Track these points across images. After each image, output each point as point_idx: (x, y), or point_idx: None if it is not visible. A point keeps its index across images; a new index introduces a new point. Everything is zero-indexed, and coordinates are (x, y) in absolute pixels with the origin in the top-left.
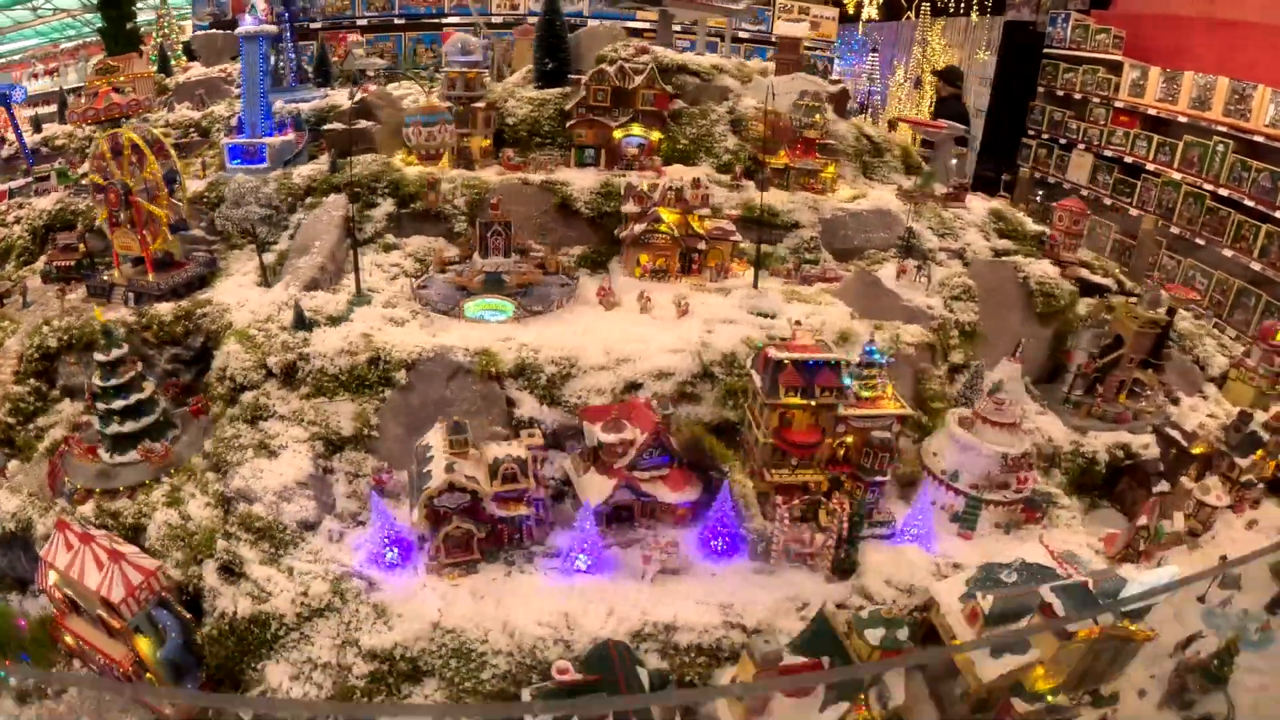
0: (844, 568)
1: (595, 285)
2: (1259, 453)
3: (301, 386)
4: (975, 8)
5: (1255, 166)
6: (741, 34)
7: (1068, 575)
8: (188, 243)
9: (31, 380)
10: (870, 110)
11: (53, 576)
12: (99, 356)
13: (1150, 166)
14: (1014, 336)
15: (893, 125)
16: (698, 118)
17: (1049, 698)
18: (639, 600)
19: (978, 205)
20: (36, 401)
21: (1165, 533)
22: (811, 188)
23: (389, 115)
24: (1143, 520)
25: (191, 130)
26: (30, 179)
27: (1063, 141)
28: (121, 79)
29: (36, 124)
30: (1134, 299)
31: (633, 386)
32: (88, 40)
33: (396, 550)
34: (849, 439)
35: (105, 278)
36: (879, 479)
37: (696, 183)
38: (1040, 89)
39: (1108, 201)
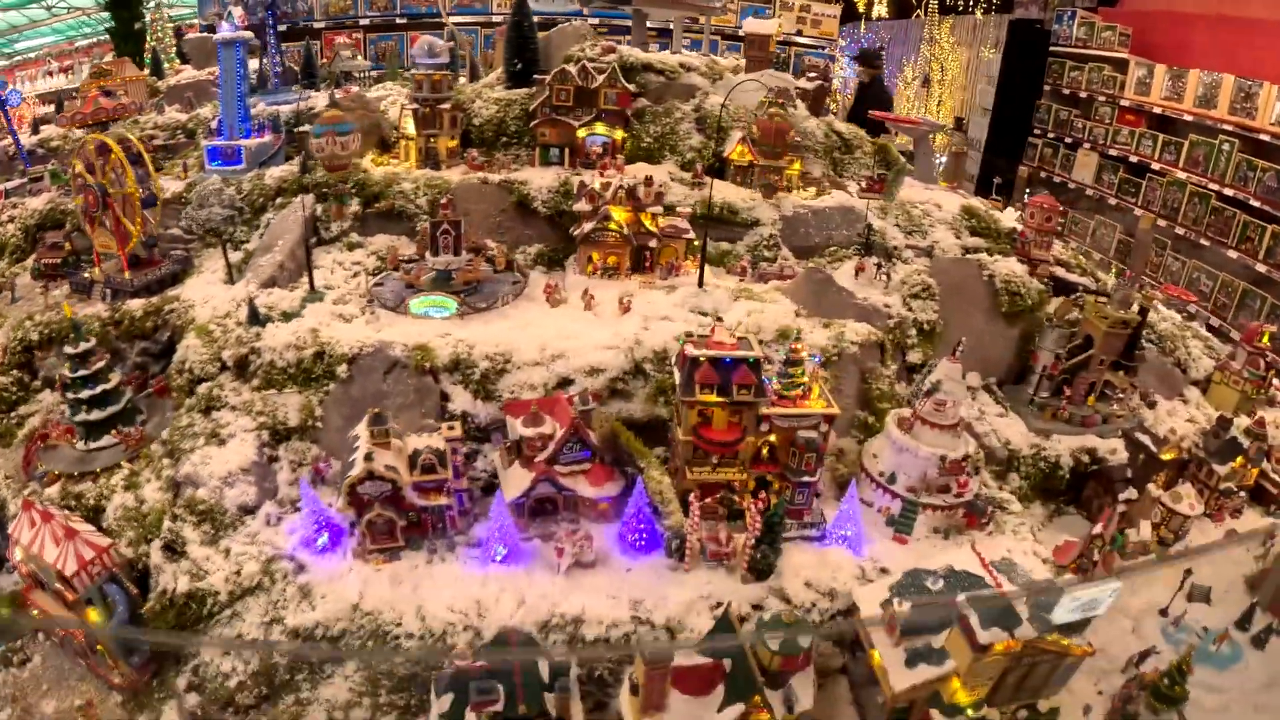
0: (760, 568)
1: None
2: (1239, 460)
3: (253, 379)
4: (982, 5)
5: (1261, 166)
6: (740, 33)
7: (997, 585)
8: (166, 241)
9: (14, 371)
10: None
11: (19, 552)
12: (68, 349)
13: (1155, 166)
14: (977, 336)
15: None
16: (662, 116)
17: (969, 711)
18: (550, 592)
19: (950, 202)
20: (19, 391)
21: (1124, 543)
22: (777, 185)
23: (360, 118)
24: (1098, 529)
25: (178, 132)
26: (25, 179)
27: (1068, 140)
28: (114, 82)
29: (35, 125)
30: (1105, 299)
31: (565, 382)
32: (102, 39)
33: (327, 535)
34: (772, 438)
35: (86, 275)
36: (806, 479)
37: (649, 180)
38: (1046, 87)
39: (1112, 201)
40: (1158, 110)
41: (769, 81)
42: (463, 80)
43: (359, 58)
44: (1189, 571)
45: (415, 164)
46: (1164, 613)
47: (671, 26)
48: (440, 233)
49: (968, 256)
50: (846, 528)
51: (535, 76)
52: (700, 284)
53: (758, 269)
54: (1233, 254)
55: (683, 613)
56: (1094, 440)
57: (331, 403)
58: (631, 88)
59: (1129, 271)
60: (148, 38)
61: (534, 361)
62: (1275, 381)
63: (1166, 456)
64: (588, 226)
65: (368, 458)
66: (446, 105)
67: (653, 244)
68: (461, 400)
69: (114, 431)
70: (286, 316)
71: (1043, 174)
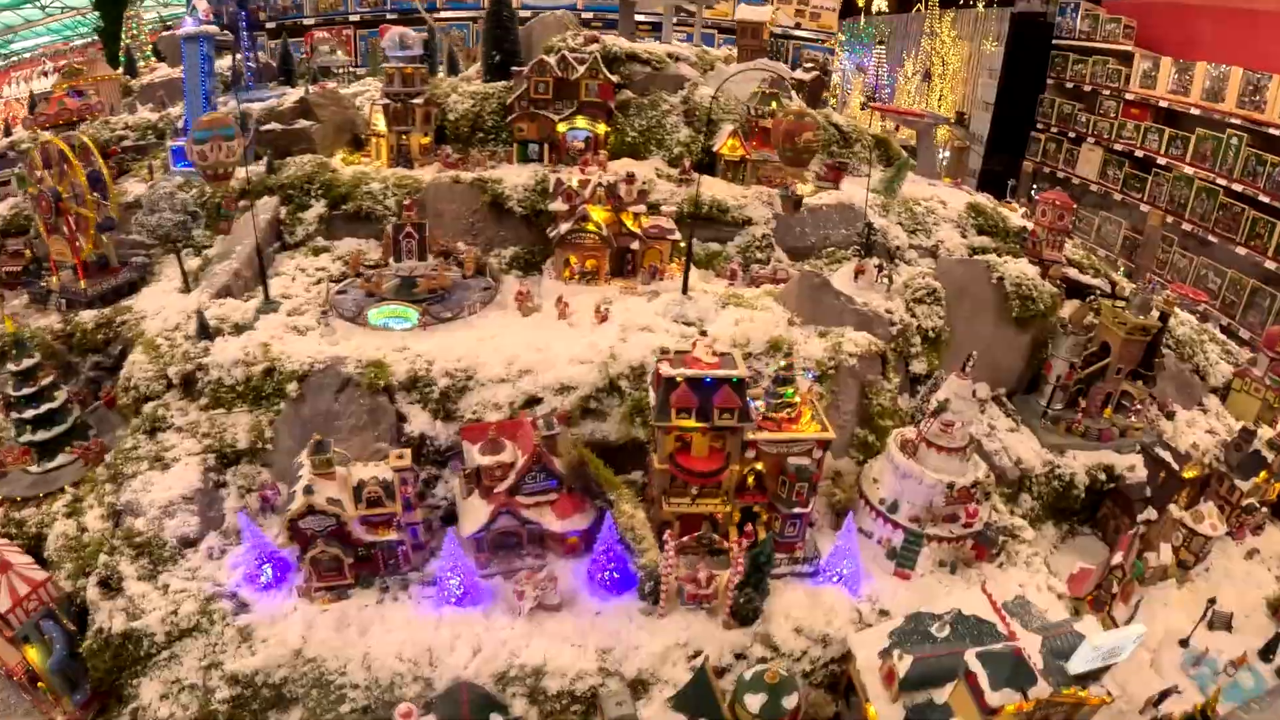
0: (743, 614)
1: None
2: (1263, 474)
3: (200, 398)
4: None
5: (1270, 160)
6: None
7: (1010, 634)
8: (127, 247)
9: None
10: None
11: None
12: (10, 366)
13: (1161, 161)
14: (986, 343)
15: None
16: (648, 109)
17: None
18: (510, 638)
19: (955, 199)
20: None
21: (1144, 570)
22: (769, 181)
23: (332, 114)
24: (1117, 558)
25: (149, 132)
26: None
27: (1072, 135)
28: (86, 81)
29: (6, 128)
30: (1122, 303)
31: (533, 401)
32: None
33: (272, 570)
34: (759, 465)
35: (43, 284)
36: (798, 511)
37: (631, 177)
38: (1050, 81)
39: (1118, 197)
40: (1164, 104)
41: (762, 72)
42: (442, 75)
43: (338, 53)
44: (1213, 600)
45: (387, 162)
46: (1185, 643)
47: (662, 19)
48: (403, 236)
49: (975, 258)
50: (843, 565)
51: (513, 69)
52: (685, 290)
53: (749, 272)
54: (1241, 250)
55: (656, 664)
56: (1111, 456)
57: (282, 423)
58: (615, 79)
59: (1149, 275)
60: (122, 36)
61: (499, 378)
62: None
63: (1189, 475)
64: (564, 227)
65: (307, 490)
66: (419, 100)
67: (635, 246)
68: (420, 421)
69: (69, 448)
70: (238, 329)
71: (1046, 169)
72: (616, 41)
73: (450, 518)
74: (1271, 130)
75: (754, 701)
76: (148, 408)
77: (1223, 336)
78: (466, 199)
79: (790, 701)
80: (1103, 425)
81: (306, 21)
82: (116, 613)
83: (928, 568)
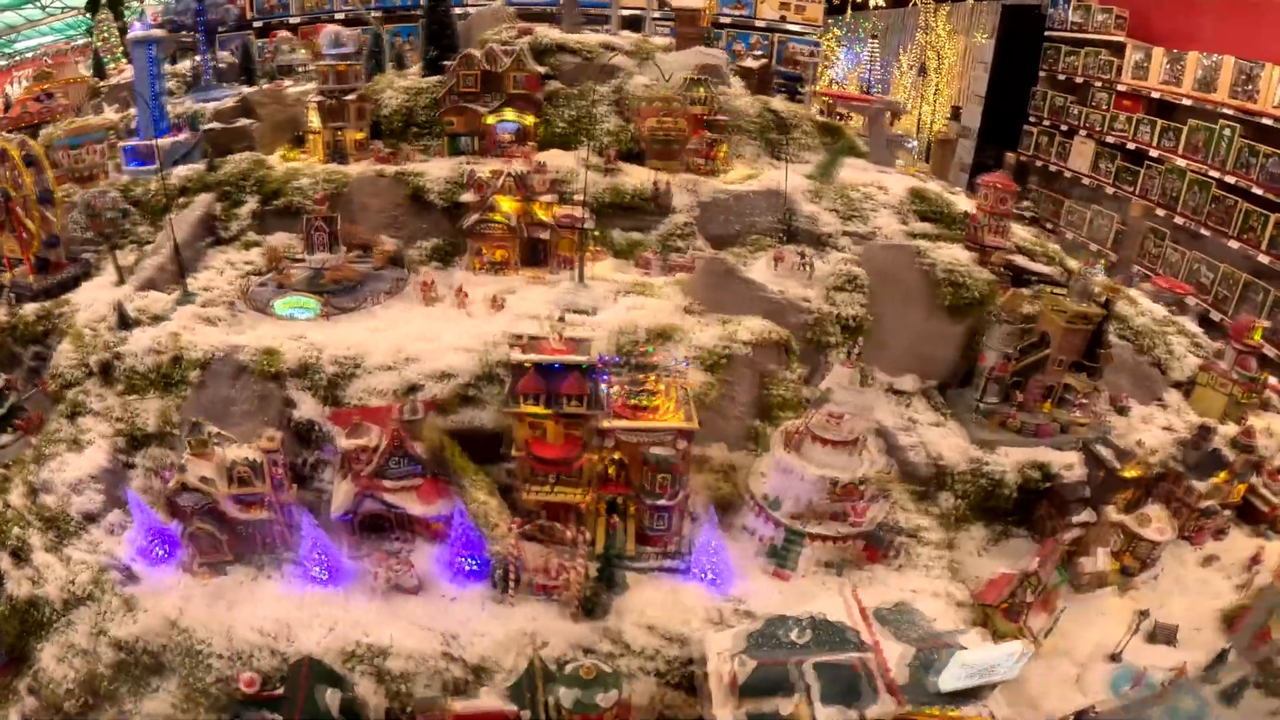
0: (590, 607)
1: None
2: (1222, 474)
3: (116, 384)
4: None
5: (1264, 151)
6: (723, 19)
7: (875, 644)
8: (76, 244)
9: None
10: None
11: None
12: None
13: (1154, 153)
14: (915, 333)
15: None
16: (576, 99)
17: None
18: (364, 618)
19: (897, 184)
20: None
21: (1073, 576)
22: (697, 169)
23: (273, 112)
24: (1034, 565)
25: (111, 132)
26: None
27: (1064, 128)
28: (55, 84)
29: None
30: (1061, 290)
31: (414, 389)
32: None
33: (164, 547)
34: (617, 455)
35: None
36: (663, 503)
37: (542, 167)
38: (1041, 73)
39: (1110, 190)
40: (1156, 95)
41: (697, 59)
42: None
43: (300, 51)
44: (1145, 612)
45: (322, 158)
46: (1115, 658)
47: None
48: (314, 230)
49: (902, 243)
50: (711, 559)
51: (444, 63)
52: (580, 279)
53: (668, 261)
54: (1234, 244)
55: (499, 652)
56: (1048, 453)
57: (187, 409)
58: (542, 70)
59: (1133, 266)
60: (93, 37)
61: (385, 366)
62: (1272, 381)
63: (1130, 474)
64: (473, 218)
65: (181, 469)
66: (353, 97)
67: (546, 236)
68: (308, 407)
69: (10, 428)
70: (156, 320)
71: (1038, 163)
72: (547, 33)
73: None
74: (1264, 120)
75: (566, 696)
76: (70, 393)
77: (1195, 329)
78: (390, 193)
79: (607, 699)
80: (1040, 420)
81: (293, 20)
82: (23, 581)
83: (810, 568)
